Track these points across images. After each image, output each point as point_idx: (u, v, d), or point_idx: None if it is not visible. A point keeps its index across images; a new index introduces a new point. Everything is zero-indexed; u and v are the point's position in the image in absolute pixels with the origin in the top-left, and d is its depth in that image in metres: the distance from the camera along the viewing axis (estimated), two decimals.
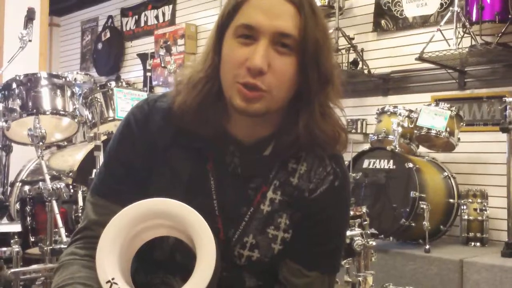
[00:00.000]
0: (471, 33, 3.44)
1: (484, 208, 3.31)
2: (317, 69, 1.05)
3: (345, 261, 2.12)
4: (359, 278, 2.14)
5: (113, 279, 0.89)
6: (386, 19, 4.17)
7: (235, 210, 1.14)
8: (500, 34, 3.41)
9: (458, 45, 3.45)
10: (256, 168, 1.14)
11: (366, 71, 4.14)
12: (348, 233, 2.16)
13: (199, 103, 1.08)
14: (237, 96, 1.04)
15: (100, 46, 6.44)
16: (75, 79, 4.47)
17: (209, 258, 0.89)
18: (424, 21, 3.98)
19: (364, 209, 2.31)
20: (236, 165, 1.13)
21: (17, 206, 2.53)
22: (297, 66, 1.04)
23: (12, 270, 2.00)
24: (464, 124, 3.50)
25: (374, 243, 2.19)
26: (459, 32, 3.48)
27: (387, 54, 4.14)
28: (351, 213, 2.27)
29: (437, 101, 3.63)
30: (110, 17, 6.43)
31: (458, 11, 3.44)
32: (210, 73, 1.08)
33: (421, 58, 3.58)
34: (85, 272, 1.06)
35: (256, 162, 1.14)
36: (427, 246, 3.07)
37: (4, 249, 2.11)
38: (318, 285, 1.18)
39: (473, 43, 3.43)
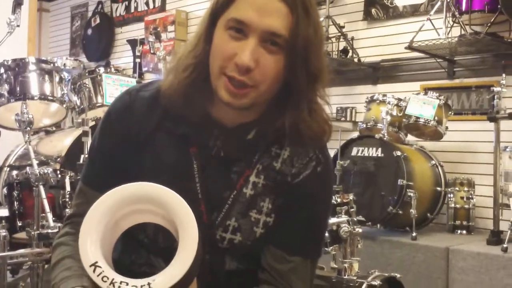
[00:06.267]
0: (461, 23, 3.45)
1: (470, 196, 3.34)
2: (305, 68, 1.07)
3: (331, 247, 2.14)
4: (345, 265, 2.16)
5: (96, 262, 0.89)
6: (377, 7, 4.17)
7: (218, 194, 1.15)
8: (489, 24, 3.42)
9: (448, 34, 3.46)
10: (239, 151, 1.15)
11: (356, 60, 4.14)
12: (335, 220, 2.17)
13: (187, 87, 1.10)
14: (223, 89, 1.06)
15: (89, 31, 6.39)
16: (64, 64, 4.44)
17: (191, 243, 0.90)
18: (414, 10, 3.99)
19: (351, 196, 2.32)
20: (219, 148, 1.14)
21: (5, 191, 2.53)
22: (285, 64, 1.06)
23: None
24: (452, 113, 3.51)
25: (360, 230, 2.21)
26: (448, 22, 3.48)
27: (377, 42, 4.14)
28: (339, 200, 2.28)
29: (426, 90, 3.64)
30: (100, 2, 6.37)
31: (448, 0, 3.44)
32: (200, 60, 1.10)
33: (410, 47, 3.59)
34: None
35: (239, 145, 1.15)
36: (414, 234, 3.09)
37: None
38: (301, 270, 1.19)
39: (463, 32, 3.44)
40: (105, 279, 0.88)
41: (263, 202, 1.16)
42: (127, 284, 0.87)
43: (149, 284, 0.87)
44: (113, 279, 0.88)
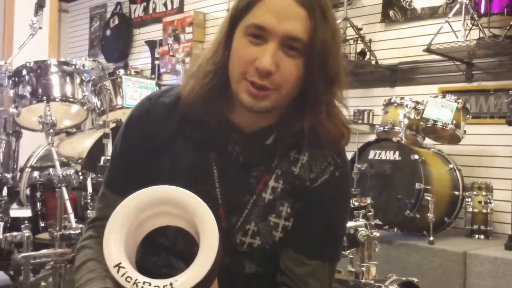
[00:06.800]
0: (479, 26, 3.43)
1: (488, 201, 3.31)
2: (324, 72, 1.08)
3: (348, 251, 2.14)
4: (362, 268, 2.16)
5: (120, 263, 0.92)
6: (395, 10, 4.16)
7: (237, 198, 1.17)
8: (508, 27, 3.40)
9: (466, 37, 3.44)
10: (258, 156, 1.17)
11: (373, 62, 4.14)
12: (352, 223, 2.18)
13: (207, 93, 1.12)
14: (244, 92, 1.08)
15: (108, 32, 6.45)
16: (83, 65, 4.50)
17: (212, 244, 0.92)
18: (432, 13, 3.97)
19: (368, 200, 2.33)
20: (238, 153, 1.16)
21: (27, 192, 2.58)
22: (304, 68, 1.08)
23: (23, 254, 2.05)
24: (471, 117, 3.49)
25: (378, 234, 2.21)
26: (467, 24, 3.47)
27: (395, 45, 4.13)
28: (356, 204, 2.29)
29: (444, 93, 3.62)
30: (118, 3, 6.43)
31: (467, 3, 3.42)
32: (219, 66, 1.12)
33: (428, 50, 3.58)
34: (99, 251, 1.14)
35: (258, 150, 1.17)
36: (431, 238, 3.09)
37: (15, 233, 2.16)
38: (320, 273, 1.21)
39: (481, 35, 3.42)
40: (128, 279, 0.90)
41: (282, 206, 1.18)
42: (150, 284, 0.90)
43: (171, 284, 0.89)
44: (136, 279, 0.90)
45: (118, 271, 0.91)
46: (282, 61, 1.06)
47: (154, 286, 0.89)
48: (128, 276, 0.90)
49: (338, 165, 1.20)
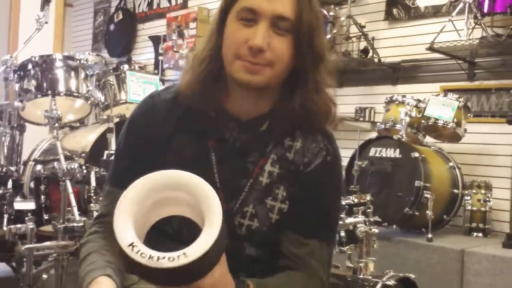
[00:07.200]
0: (482, 25, 3.44)
1: (487, 199, 3.33)
2: (311, 49, 1.18)
3: (347, 247, 2.17)
4: (360, 264, 2.19)
5: (133, 243, 0.95)
6: (398, 8, 4.17)
7: (235, 182, 1.24)
8: (511, 27, 3.41)
9: (469, 36, 3.45)
10: (254, 142, 1.24)
11: (376, 60, 4.14)
12: (352, 220, 2.21)
13: (203, 80, 1.20)
14: (239, 70, 1.16)
15: (112, 27, 6.45)
16: (86, 59, 4.51)
17: (216, 217, 0.96)
18: (435, 11, 3.98)
19: (368, 197, 2.36)
20: (235, 140, 1.23)
21: (31, 184, 2.61)
22: (293, 46, 1.17)
23: (26, 246, 2.08)
24: (472, 115, 3.50)
25: (376, 231, 2.24)
26: (470, 23, 3.47)
27: (397, 43, 4.14)
28: (356, 200, 2.32)
29: (446, 92, 3.63)
30: None
31: (470, 2, 3.43)
32: (213, 53, 1.20)
33: (431, 48, 3.59)
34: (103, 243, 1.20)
35: (253, 136, 1.24)
36: (430, 235, 3.11)
37: (19, 225, 2.19)
38: (318, 254, 1.26)
39: (484, 34, 3.43)
40: (143, 255, 0.93)
41: (278, 189, 1.25)
42: (164, 257, 0.93)
43: (184, 253, 0.93)
44: (150, 254, 0.93)
45: (132, 249, 0.94)
46: (272, 39, 1.14)
47: (169, 257, 0.92)
48: (143, 253, 0.93)
49: (330, 151, 1.27)
